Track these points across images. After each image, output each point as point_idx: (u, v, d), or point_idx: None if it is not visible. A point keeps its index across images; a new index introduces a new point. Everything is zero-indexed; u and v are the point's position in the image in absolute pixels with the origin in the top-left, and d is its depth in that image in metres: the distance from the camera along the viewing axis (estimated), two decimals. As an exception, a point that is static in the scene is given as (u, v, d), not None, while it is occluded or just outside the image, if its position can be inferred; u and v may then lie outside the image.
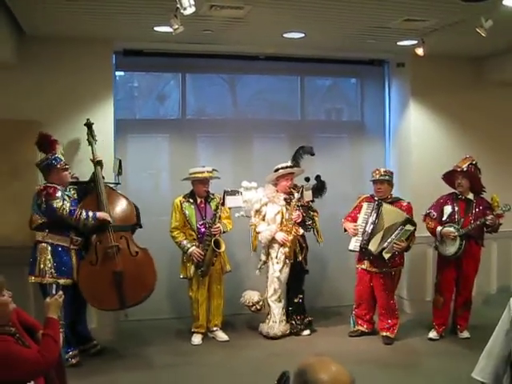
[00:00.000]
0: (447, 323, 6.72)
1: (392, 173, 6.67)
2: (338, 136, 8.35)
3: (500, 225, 6.45)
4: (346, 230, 6.60)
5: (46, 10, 5.49)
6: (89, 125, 6.27)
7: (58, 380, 3.65)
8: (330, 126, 8.49)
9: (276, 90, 8.18)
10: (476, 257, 6.61)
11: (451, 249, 6.42)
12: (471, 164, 6.51)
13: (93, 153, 6.18)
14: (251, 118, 8.09)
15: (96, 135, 6.29)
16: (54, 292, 3.84)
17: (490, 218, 6.33)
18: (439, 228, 6.49)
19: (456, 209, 6.54)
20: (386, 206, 6.43)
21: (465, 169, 6.49)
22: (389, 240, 6.30)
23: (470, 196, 6.57)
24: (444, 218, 6.57)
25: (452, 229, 6.41)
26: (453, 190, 6.64)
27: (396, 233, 6.29)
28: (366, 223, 6.46)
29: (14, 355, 3.21)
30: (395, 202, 6.55)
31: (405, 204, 6.55)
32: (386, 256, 6.29)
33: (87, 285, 5.77)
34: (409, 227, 6.30)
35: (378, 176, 6.55)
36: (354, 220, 6.59)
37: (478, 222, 6.37)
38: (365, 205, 6.59)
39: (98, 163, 6.13)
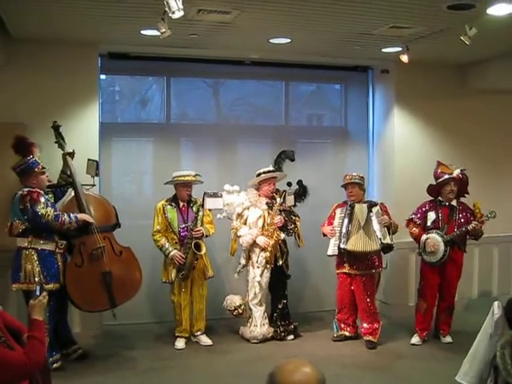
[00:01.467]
0: (429, 328, 6.76)
1: (363, 177, 6.73)
2: (322, 141, 8.38)
3: (482, 232, 6.54)
4: (324, 235, 6.64)
5: (32, 13, 5.47)
6: (56, 127, 6.17)
7: (42, 382, 3.63)
8: (313, 132, 8.53)
9: (260, 94, 8.22)
10: (459, 262, 6.67)
11: (436, 256, 6.48)
12: (463, 170, 6.60)
13: (63, 151, 6.09)
14: (235, 122, 8.13)
15: (68, 138, 6.19)
16: (37, 293, 3.82)
17: (473, 224, 6.39)
18: (424, 237, 6.53)
19: (440, 215, 6.60)
20: (358, 206, 6.51)
21: (461, 176, 6.57)
22: (377, 229, 6.39)
23: (453, 202, 6.64)
24: (428, 225, 6.62)
25: (437, 236, 6.46)
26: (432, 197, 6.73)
27: (374, 220, 6.41)
28: (342, 225, 6.50)
29: (0, 358, 3.18)
30: (373, 205, 6.61)
31: (382, 205, 6.64)
32: (389, 240, 6.40)
33: (75, 288, 5.74)
34: (374, 209, 6.46)
35: (348, 179, 6.60)
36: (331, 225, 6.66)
37: (463, 229, 6.44)
38: (338, 210, 6.67)
39: (70, 154, 6.06)
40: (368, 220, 6.43)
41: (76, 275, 5.78)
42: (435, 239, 6.46)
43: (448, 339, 6.67)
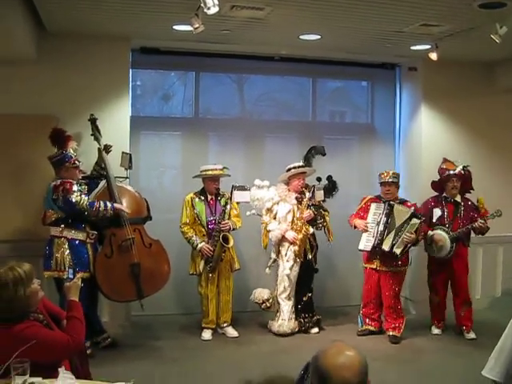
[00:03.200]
0: (445, 318, 6.94)
1: (398, 174, 6.78)
2: (348, 138, 8.44)
3: (488, 228, 6.64)
4: (355, 227, 6.68)
5: (67, 7, 5.57)
6: (92, 120, 6.32)
7: (80, 366, 3.75)
8: (340, 128, 8.58)
9: (288, 90, 8.27)
10: (464, 257, 6.81)
11: (442, 251, 6.63)
12: (465, 167, 6.73)
13: (99, 144, 6.23)
14: (263, 118, 8.21)
15: (101, 130, 6.34)
16: (71, 276, 3.96)
17: (480, 223, 6.53)
18: (430, 232, 6.67)
19: (445, 211, 6.73)
20: (397, 207, 6.52)
21: (463, 172, 6.70)
22: (398, 236, 6.40)
23: (457, 198, 6.78)
24: (434, 221, 6.74)
25: (443, 233, 6.60)
26: (436, 193, 6.89)
27: (404, 228, 6.40)
28: (378, 223, 6.52)
29: (44, 338, 3.33)
30: (403, 203, 6.65)
31: (410, 205, 6.65)
32: (398, 251, 6.38)
33: (104, 277, 5.87)
34: (414, 221, 6.40)
35: (387, 178, 6.64)
36: (362, 219, 6.68)
37: (469, 227, 6.60)
38: (373, 205, 6.67)
39: (105, 148, 6.20)
40: (403, 225, 6.43)
41: (105, 265, 5.91)
42: (442, 235, 6.60)
43: (472, 335, 6.71)
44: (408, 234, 6.38)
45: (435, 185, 6.90)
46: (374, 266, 6.63)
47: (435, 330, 6.89)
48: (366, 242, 6.57)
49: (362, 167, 8.28)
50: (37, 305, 3.50)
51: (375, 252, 6.55)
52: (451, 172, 6.71)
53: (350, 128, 8.64)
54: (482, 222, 6.53)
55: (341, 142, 8.34)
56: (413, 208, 6.52)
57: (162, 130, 7.75)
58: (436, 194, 6.93)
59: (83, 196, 5.75)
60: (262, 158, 8.02)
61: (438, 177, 6.87)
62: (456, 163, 6.79)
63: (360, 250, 6.66)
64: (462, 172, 6.72)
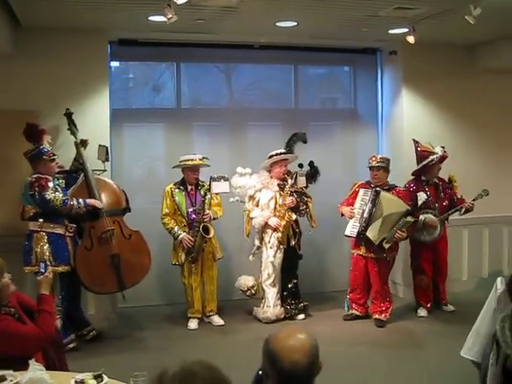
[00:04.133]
0: (432, 299, 7.05)
1: (388, 160, 6.72)
2: (332, 123, 8.44)
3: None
4: (342, 215, 6.68)
5: (41, 1, 5.56)
6: (68, 114, 6.32)
7: (57, 361, 3.79)
8: (323, 114, 8.57)
9: (270, 78, 8.26)
10: (445, 236, 6.96)
11: (433, 235, 6.71)
12: (443, 147, 6.84)
13: (76, 138, 6.25)
14: (246, 106, 8.18)
15: (79, 125, 6.34)
16: (42, 270, 4.01)
17: (470, 204, 6.76)
18: (422, 217, 6.69)
19: (429, 195, 6.80)
20: (384, 194, 6.47)
21: (443, 154, 6.83)
22: (390, 230, 6.37)
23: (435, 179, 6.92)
24: (419, 205, 6.76)
25: (432, 216, 6.70)
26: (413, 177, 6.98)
27: (397, 224, 6.36)
28: (364, 209, 6.50)
29: (14, 331, 3.39)
30: (392, 188, 6.63)
31: (401, 191, 6.66)
32: (387, 246, 6.38)
33: (85, 270, 5.89)
34: (409, 218, 6.37)
35: (374, 163, 6.63)
36: (351, 205, 6.65)
37: (458, 208, 6.78)
38: (361, 191, 6.65)
39: (82, 143, 6.21)
40: (392, 217, 6.39)
41: (85, 258, 5.93)
42: (432, 219, 6.69)
43: (451, 307, 7.04)
44: (400, 233, 6.37)
45: (418, 171, 6.90)
46: (361, 252, 6.63)
47: (422, 312, 6.93)
48: (351, 228, 6.56)
49: (346, 152, 8.29)
50: (8, 299, 3.54)
51: (360, 239, 6.55)
52: (437, 156, 6.76)
53: (333, 114, 8.65)
54: (472, 202, 6.71)
55: (325, 127, 8.34)
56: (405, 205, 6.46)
57: (146, 121, 7.73)
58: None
59: (57, 193, 5.75)
60: (246, 147, 8.02)
61: (419, 161, 6.87)
62: (430, 145, 6.86)
63: (346, 236, 6.66)
64: (445, 153, 6.83)
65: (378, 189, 6.53)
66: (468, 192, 6.95)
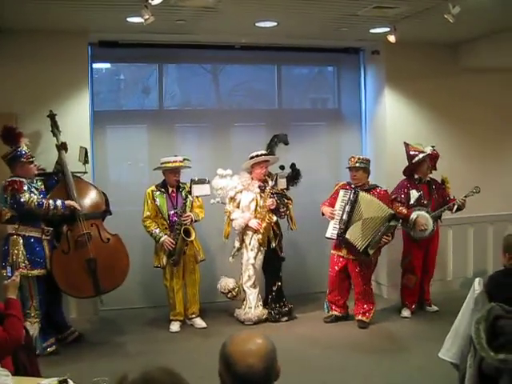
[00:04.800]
0: (417, 299, 7.04)
1: (368, 160, 6.69)
2: (316, 124, 8.40)
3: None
4: (323, 214, 6.64)
5: (20, 4, 5.53)
6: (51, 116, 6.28)
7: (29, 364, 3.76)
8: (307, 114, 8.52)
9: (253, 79, 8.26)
10: (437, 234, 6.98)
11: (425, 232, 6.72)
12: (433, 147, 6.88)
13: (57, 140, 6.21)
14: (229, 107, 8.20)
15: (59, 126, 6.30)
16: (9, 274, 3.98)
17: (462, 200, 6.76)
18: (414, 214, 6.70)
19: (421, 192, 6.80)
20: (363, 196, 6.41)
21: (435, 152, 6.89)
22: (375, 236, 6.29)
23: (427, 178, 6.94)
24: (411, 202, 6.79)
25: (425, 214, 6.71)
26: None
27: (382, 230, 6.28)
28: (343, 211, 6.45)
29: None
30: (372, 189, 6.58)
31: (382, 191, 6.62)
32: (371, 252, 6.32)
33: (61, 274, 5.83)
34: (393, 222, 6.34)
35: (353, 163, 6.60)
36: (332, 206, 6.61)
37: (451, 205, 6.80)
38: (341, 192, 6.60)
39: (61, 145, 6.16)
40: (375, 221, 6.30)
41: (62, 261, 5.87)
42: (424, 216, 6.71)
43: (435, 308, 7.06)
44: (385, 238, 6.33)
45: (410, 168, 6.90)
46: (342, 254, 6.58)
47: (405, 313, 6.90)
48: (332, 230, 6.51)
49: (330, 153, 8.25)
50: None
51: (340, 241, 6.51)
52: (425, 154, 6.78)
53: (317, 114, 8.64)
54: (463, 199, 6.75)
55: (308, 128, 8.28)
56: (388, 209, 6.39)
57: (128, 123, 7.67)
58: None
59: (33, 195, 5.69)
60: (230, 148, 7.98)
61: (407, 161, 6.88)
62: (420, 145, 6.89)
63: (327, 238, 6.61)
64: (435, 152, 6.88)
65: (357, 189, 6.49)
66: (453, 190, 6.98)
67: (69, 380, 3.19)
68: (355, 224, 6.36)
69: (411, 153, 6.82)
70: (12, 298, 3.76)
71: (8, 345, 3.45)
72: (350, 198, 6.46)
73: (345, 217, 6.42)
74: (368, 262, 6.54)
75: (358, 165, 6.58)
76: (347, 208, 6.44)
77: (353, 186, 6.60)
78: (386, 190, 6.69)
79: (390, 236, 6.39)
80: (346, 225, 6.40)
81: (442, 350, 4.41)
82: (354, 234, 6.35)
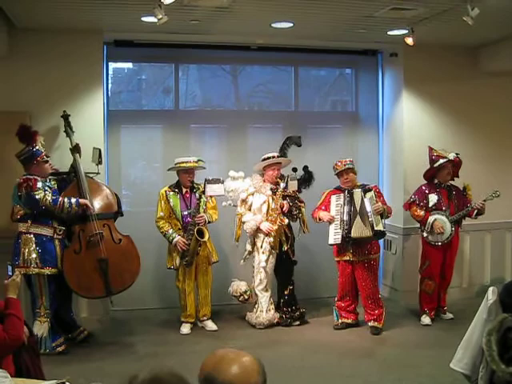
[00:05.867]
0: (436, 306, 6.93)
1: (352, 160, 6.66)
2: (333, 126, 8.31)
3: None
4: (320, 219, 6.54)
5: (35, 2, 5.51)
6: (65, 116, 6.29)
7: (31, 365, 3.73)
8: (324, 117, 8.42)
9: (270, 80, 8.19)
10: (457, 239, 6.91)
11: (443, 236, 6.67)
12: (457, 154, 6.79)
13: (71, 141, 6.21)
14: (247, 108, 8.14)
15: (73, 126, 6.31)
16: (10, 273, 3.95)
17: (481, 203, 6.65)
18: (431, 218, 6.67)
19: (441, 197, 6.75)
20: (355, 192, 6.45)
21: (458, 159, 6.81)
22: (369, 215, 6.29)
23: (448, 184, 6.88)
24: (430, 206, 6.74)
25: (443, 217, 6.66)
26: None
27: (367, 205, 6.31)
28: (342, 213, 6.42)
29: None
30: (367, 187, 6.56)
31: (373, 187, 6.61)
32: (380, 227, 6.30)
33: (72, 273, 5.82)
34: (369, 194, 6.37)
35: (343, 167, 6.55)
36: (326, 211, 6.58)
37: (469, 208, 6.70)
38: (333, 197, 6.58)
39: (75, 148, 6.16)
40: (362, 205, 6.35)
41: (73, 261, 5.86)
42: (442, 220, 6.65)
43: (450, 315, 6.93)
44: (374, 207, 6.30)
45: (430, 173, 6.85)
46: (347, 258, 6.51)
47: (426, 320, 6.77)
48: (334, 236, 6.45)
49: (346, 156, 8.03)
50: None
51: (346, 243, 6.43)
52: (447, 159, 6.71)
53: (334, 116, 8.51)
54: (482, 202, 6.64)
55: (325, 130, 8.22)
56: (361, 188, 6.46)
57: (143, 123, 7.63)
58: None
59: (47, 193, 5.69)
60: (245, 150, 7.90)
61: (426, 165, 6.84)
62: (444, 152, 6.81)
63: (330, 245, 6.54)
64: (458, 158, 6.80)
65: (349, 190, 6.49)
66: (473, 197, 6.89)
67: (67, 383, 3.15)
68: (355, 221, 6.35)
69: (433, 157, 6.77)
70: (12, 297, 3.74)
71: (7, 344, 3.45)
72: (345, 199, 6.46)
73: (345, 217, 6.39)
74: (374, 261, 6.55)
75: (348, 166, 6.55)
76: (346, 209, 6.42)
77: (343, 189, 6.56)
78: (376, 185, 6.76)
79: (378, 202, 6.35)
80: (348, 225, 6.35)
81: (454, 361, 4.30)
82: (358, 230, 6.33)
